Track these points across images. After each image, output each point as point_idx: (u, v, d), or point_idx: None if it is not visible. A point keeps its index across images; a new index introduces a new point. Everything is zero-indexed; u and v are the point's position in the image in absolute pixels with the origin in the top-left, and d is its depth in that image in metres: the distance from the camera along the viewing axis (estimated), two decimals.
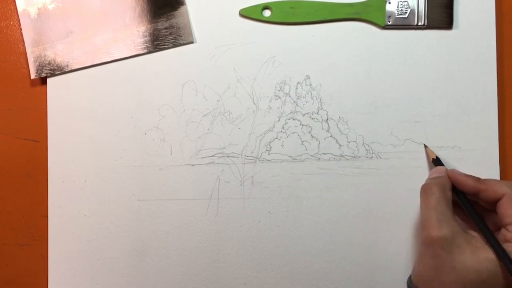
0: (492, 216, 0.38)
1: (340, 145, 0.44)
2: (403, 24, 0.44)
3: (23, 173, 0.46)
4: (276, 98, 0.45)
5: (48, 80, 0.46)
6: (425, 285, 0.35)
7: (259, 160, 0.45)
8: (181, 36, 0.45)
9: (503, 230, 0.36)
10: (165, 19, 0.45)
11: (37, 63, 0.45)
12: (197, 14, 0.45)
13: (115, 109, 0.45)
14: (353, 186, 0.44)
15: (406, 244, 0.44)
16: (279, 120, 0.45)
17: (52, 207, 0.46)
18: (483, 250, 0.34)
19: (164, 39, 0.45)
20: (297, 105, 0.45)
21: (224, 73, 0.45)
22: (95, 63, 0.45)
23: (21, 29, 0.46)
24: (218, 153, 0.45)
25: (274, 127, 0.45)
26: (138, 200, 0.45)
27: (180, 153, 0.45)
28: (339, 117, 0.45)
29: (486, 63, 0.44)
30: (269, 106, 0.45)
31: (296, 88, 0.45)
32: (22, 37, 0.46)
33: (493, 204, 0.37)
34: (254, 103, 0.45)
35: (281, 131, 0.45)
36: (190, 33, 0.45)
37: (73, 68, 0.45)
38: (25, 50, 0.46)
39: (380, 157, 0.44)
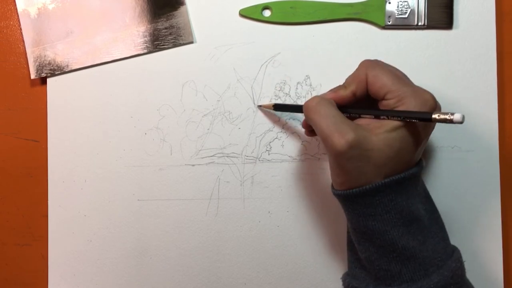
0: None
1: None
2: (403, 24, 0.44)
3: (23, 173, 0.46)
4: (276, 98, 0.45)
5: (48, 80, 0.46)
6: (352, 186, 0.35)
7: (259, 160, 0.45)
8: (181, 36, 0.45)
9: (383, 102, 0.37)
10: (165, 19, 0.45)
11: (37, 63, 0.45)
12: (197, 14, 0.45)
13: (115, 109, 0.45)
14: None
15: None
16: (279, 120, 0.45)
17: (52, 207, 0.46)
18: (382, 127, 0.35)
19: (164, 39, 0.45)
20: None
21: (224, 73, 0.45)
22: (95, 63, 0.45)
23: (21, 29, 0.46)
24: (218, 153, 0.45)
25: (274, 127, 0.45)
26: (138, 200, 0.45)
27: (180, 153, 0.45)
28: None
29: (486, 63, 0.44)
30: None
31: (296, 88, 0.45)
32: (22, 37, 0.46)
33: (365, 97, 0.38)
34: (254, 103, 0.45)
35: (281, 131, 0.45)
36: (190, 33, 0.45)
37: (73, 68, 0.45)
38: (25, 50, 0.46)
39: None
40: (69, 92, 0.46)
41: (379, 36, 0.45)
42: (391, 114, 0.35)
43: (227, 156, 0.45)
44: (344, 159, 0.34)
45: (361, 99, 0.39)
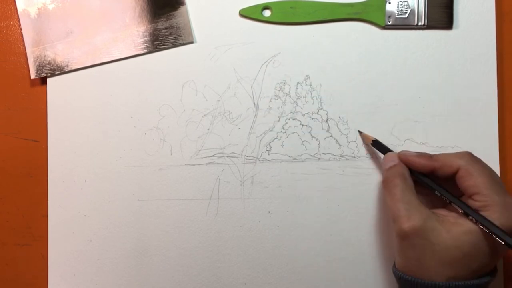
0: (451, 187, 0.38)
1: (340, 145, 0.45)
2: (403, 24, 0.44)
3: (23, 173, 0.46)
4: (276, 98, 0.45)
5: (48, 80, 0.46)
6: (412, 272, 0.35)
7: (259, 160, 0.45)
8: (181, 36, 0.45)
9: (469, 201, 0.36)
10: (165, 19, 0.45)
11: (37, 63, 0.45)
12: (197, 14, 0.45)
13: (115, 109, 0.45)
14: (353, 186, 0.44)
15: None
16: (279, 120, 0.45)
17: (52, 207, 0.46)
18: (457, 225, 0.34)
19: (164, 39, 0.45)
20: (297, 105, 0.45)
21: (224, 73, 0.45)
22: (95, 63, 0.45)
23: (21, 29, 0.46)
24: (218, 153, 0.45)
25: (274, 127, 0.45)
26: (138, 200, 0.45)
27: (180, 153, 0.45)
28: (339, 117, 0.45)
29: (486, 63, 0.44)
30: (269, 106, 0.45)
31: (296, 88, 0.45)
32: (22, 37, 0.46)
33: (450, 178, 0.37)
34: (254, 103, 0.45)
35: (281, 131, 0.45)
36: (190, 33, 0.45)
37: (73, 68, 0.45)
38: (25, 50, 0.46)
39: (380, 157, 0.44)
40: (69, 92, 0.46)
41: (379, 36, 0.45)
42: (476, 217, 0.34)
43: (227, 156, 0.45)
44: (407, 245, 0.34)
45: (439, 179, 0.38)
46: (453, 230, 0.34)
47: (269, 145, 0.45)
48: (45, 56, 0.45)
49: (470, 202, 0.36)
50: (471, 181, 0.35)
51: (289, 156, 0.45)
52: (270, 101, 0.45)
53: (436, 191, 0.38)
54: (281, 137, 0.45)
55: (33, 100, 0.46)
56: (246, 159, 0.45)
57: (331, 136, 0.45)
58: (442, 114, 0.44)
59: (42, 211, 0.46)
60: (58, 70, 0.45)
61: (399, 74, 0.44)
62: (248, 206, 0.45)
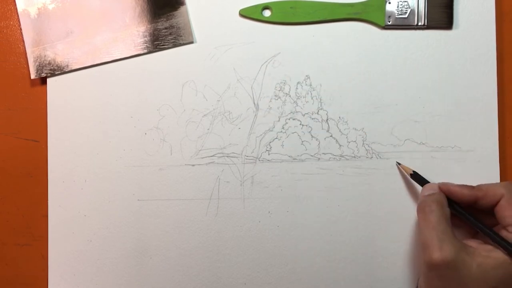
0: (486, 220, 0.38)
1: (340, 145, 0.45)
2: (403, 24, 0.44)
3: (23, 173, 0.46)
4: (276, 98, 0.45)
5: (48, 80, 0.46)
6: None
7: (259, 160, 0.45)
8: (181, 36, 0.45)
9: (503, 232, 0.36)
10: (165, 19, 0.45)
11: (37, 63, 0.45)
12: (197, 14, 0.45)
13: (115, 109, 0.45)
14: (353, 186, 0.44)
15: (406, 244, 0.44)
16: (279, 120, 0.45)
17: (52, 207, 0.46)
18: (489, 258, 0.34)
19: (164, 39, 0.45)
20: (297, 105, 0.45)
21: (224, 73, 0.45)
22: (95, 63, 0.45)
23: (21, 29, 0.46)
24: (218, 153, 0.45)
25: (274, 127, 0.45)
26: (138, 200, 0.45)
27: (180, 153, 0.45)
28: (339, 117, 0.45)
29: (486, 63, 0.44)
30: (269, 106, 0.45)
31: (296, 88, 0.45)
32: (22, 37, 0.46)
33: (490, 208, 0.37)
34: (254, 103, 0.45)
35: (281, 131, 0.45)
36: (190, 33, 0.45)
37: (73, 68, 0.45)
38: (25, 50, 0.46)
39: (380, 157, 0.44)
40: (69, 92, 0.46)
41: (379, 36, 0.45)
42: (506, 246, 0.34)
43: (227, 156, 0.45)
44: (435, 275, 0.34)
45: (482, 211, 0.38)
46: (484, 264, 0.34)
47: (269, 145, 0.45)
48: (45, 56, 0.45)
49: (504, 233, 0.36)
50: (510, 211, 0.35)
51: (289, 156, 0.45)
52: (270, 101, 0.45)
53: (471, 223, 0.37)
54: (281, 137, 0.45)
55: (33, 100, 0.46)
56: (246, 159, 0.45)
57: (331, 136, 0.45)
58: (442, 114, 0.44)
59: (42, 211, 0.46)
60: (58, 70, 0.45)
61: (399, 74, 0.44)
62: (248, 206, 0.45)
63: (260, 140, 0.45)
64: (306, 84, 0.45)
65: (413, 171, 0.42)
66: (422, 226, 0.36)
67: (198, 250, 0.45)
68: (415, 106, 0.44)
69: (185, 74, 0.45)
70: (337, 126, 0.45)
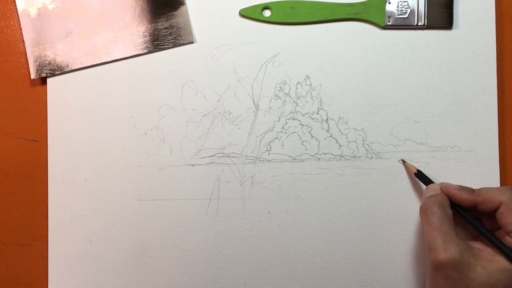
0: (490, 221, 0.38)
1: (340, 145, 0.45)
2: (403, 24, 0.44)
3: (23, 173, 0.46)
4: (276, 98, 0.45)
5: (48, 80, 0.46)
6: None
7: (259, 160, 0.45)
8: (181, 36, 0.45)
9: (507, 238, 0.36)
10: (165, 19, 0.45)
11: (37, 63, 0.45)
12: (197, 14, 0.45)
13: (115, 109, 0.45)
14: (353, 186, 0.44)
15: (406, 244, 0.44)
16: (279, 120, 0.45)
17: (52, 207, 0.46)
18: (493, 262, 0.34)
19: (164, 39, 0.45)
20: (297, 105, 0.45)
21: (224, 73, 0.45)
22: (95, 63, 0.45)
23: (21, 29, 0.46)
24: (218, 153, 0.45)
25: (274, 127, 0.45)
26: (138, 200, 0.45)
27: (180, 153, 0.45)
28: (339, 117, 0.45)
29: (486, 63, 0.44)
30: (269, 106, 0.45)
31: (296, 88, 0.45)
32: (22, 37, 0.46)
33: (491, 212, 0.37)
34: (254, 103, 0.45)
35: (281, 131, 0.45)
36: (190, 33, 0.45)
37: (73, 68, 0.45)
38: (25, 50, 0.46)
39: (380, 157, 0.44)
40: (69, 92, 0.46)
41: (379, 36, 0.45)
42: (508, 254, 0.34)
43: (227, 156, 0.45)
44: (440, 276, 0.34)
45: (481, 215, 0.38)
46: (488, 267, 0.34)
47: (269, 145, 0.45)
48: (45, 56, 0.45)
49: (508, 239, 0.36)
50: (511, 218, 0.35)
51: (289, 156, 0.45)
52: (270, 101, 0.45)
53: (471, 225, 0.37)
54: (281, 137, 0.45)
55: (33, 100, 0.46)
56: (246, 159, 0.45)
57: (331, 136, 0.45)
58: (442, 114, 0.44)
59: (42, 211, 0.46)
60: (58, 70, 0.45)
61: (399, 74, 0.44)
62: (248, 206, 0.45)
63: (260, 140, 0.45)
64: (306, 84, 0.45)
65: (418, 170, 0.42)
66: (425, 229, 0.36)
67: (198, 250, 0.45)
68: (415, 106, 0.44)
69: (185, 74, 0.45)
70: (337, 126, 0.45)
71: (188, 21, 0.45)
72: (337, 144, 0.45)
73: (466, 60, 0.44)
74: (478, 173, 0.44)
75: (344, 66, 0.45)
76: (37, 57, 0.45)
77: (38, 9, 0.46)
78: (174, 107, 0.45)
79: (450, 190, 0.38)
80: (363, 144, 0.44)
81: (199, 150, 0.45)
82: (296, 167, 0.45)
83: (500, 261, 0.34)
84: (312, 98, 0.45)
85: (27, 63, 0.46)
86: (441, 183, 0.40)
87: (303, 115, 0.45)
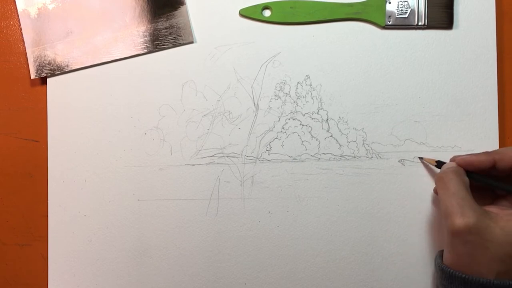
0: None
1: (340, 145, 0.45)
2: (403, 24, 0.44)
3: (23, 173, 0.46)
4: (276, 98, 0.45)
5: (48, 80, 0.46)
6: (461, 268, 0.35)
7: (259, 160, 0.45)
8: (181, 36, 0.45)
9: None
10: (165, 19, 0.45)
11: (37, 63, 0.45)
12: (197, 14, 0.45)
13: (115, 109, 0.45)
14: (353, 186, 0.44)
15: (406, 244, 0.44)
16: (279, 120, 0.45)
17: (52, 207, 0.46)
18: (511, 222, 0.34)
19: (164, 39, 0.45)
20: (297, 105, 0.45)
21: (224, 73, 0.45)
22: (95, 63, 0.45)
23: (21, 29, 0.46)
24: (218, 153, 0.45)
25: (274, 127, 0.45)
26: (138, 200, 0.45)
27: (180, 153, 0.45)
28: (339, 117, 0.45)
29: (486, 63, 0.44)
30: (269, 106, 0.45)
31: (296, 88, 0.45)
32: (22, 37, 0.46)
33: (508, 171, 0.37)
34: (254, 103, 0.45)
35: (281, 131, 0.45)
36: (190, 33, 0.45)
37: (73, 68, 0.45)
38: (25, 50, 0.46)
39: (380, 157, 0.44)
40: (69, 92, 0.46)
41: (379, 36, 0.45)
42: None
43: (227, 156, 0.45)
44: (459, 241, 0.34)
45: (502, 176, 0.38)
46: (507, 227, 0.34)
47: (269, 145, 0.45)
48: (45, 56, 0.45)
49: None
50: None
51: (289, 156, 0.45)
52: (270, 101, 0.45)
53: (492, 185, 0.38)
54: (281, 137, 0.45)
55: (33, 100, 0.46)
56: (246, 159, 0.45)
57: (331, 136, 0.45)
58: (442, 114, 0.44)
59: (42, 211, 0.46)
60: (58, 70, 0.45)
61: (399, 74, 0.44)
62: (248, 206, 0.45)
63: (260, 140, 0.45)
64: (306, 84, 0.45)
65: (437, 160, 0.42)
66: (442, 195, 0.36)
67: (198, 250, 0.45)
68: (415, 106, 0.44)
69: (185, 74, 0.45)
70: (337, 126, 0.45)
71: (188, 21, 0.45)
72: (337, 144, 0.45)
73: (466, 60, 0.44)
74: None
75: (344, 66, 0.45)
76: (37, 57, 0.45)
77: (38, 9, 0.46)
78: (174, 107, 0.45)
79: (466, 158, 0.38)
80: (363, 144, 0.44)
81: (199, 150, 0.45)
82: (296, 167, 0.45)
83: None
84: (312, 98, 0.45)
85: (27, 63, 0.46)
86: (456, 158, 0.40)
87: (303, 115, 0.45)
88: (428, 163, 0.43)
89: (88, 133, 0.46)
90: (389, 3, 0.44)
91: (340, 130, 0.45)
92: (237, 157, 0.45)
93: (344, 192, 0.44)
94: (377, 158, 0.44)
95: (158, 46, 0.45)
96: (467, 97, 0.44)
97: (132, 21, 0.45)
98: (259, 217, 0.45)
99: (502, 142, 0.44)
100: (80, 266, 0.46)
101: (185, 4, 0.45)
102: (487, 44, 0.44)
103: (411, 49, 0.44)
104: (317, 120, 0.45)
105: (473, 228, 0.34)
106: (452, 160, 0.41)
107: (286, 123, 0.45)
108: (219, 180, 0.45)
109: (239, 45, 0.45)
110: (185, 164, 0.45)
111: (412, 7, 0.44)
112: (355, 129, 0.45)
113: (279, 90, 0.45)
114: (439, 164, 0.42)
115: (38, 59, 0.45)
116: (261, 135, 0.45)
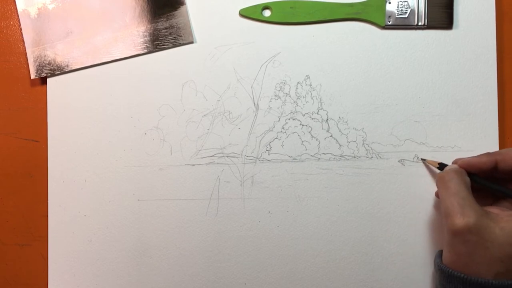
0: (508, 187, 0.39)
1: (340, 145, 0.45)
2: (403, 24, 0.44)
3: (23, 173, 0.46)
4: (276, 98, 0.45)
5: (48, 80, 0.46)
6: (460, 268, 0.35)
7: (259, 160, 0.45)
8: (181, 36, 0.45)
9: None
10: (165, 19, 0.45)
11: (37, 63, 0.45)
12: (197, 14, 0.45)
13: (115, 109, 0.45)
14: (353, 186, 0.44)
15: (406, 244, 0.44)
16: (279, 120, 0.45)
17: (52, 207, 0.46)
18: (511, 223, 0.34)
19: (164, 39, 0.45)
20: (297, 105, 0.45)
21: (224, 73, 0.45)
22: (95, 63, 0.45)
23: (21, 29, 0.46)
24: (218, 153, 0.45)
25: (274, 127, 0.45)
26: (138, 200, 0.45)
27: (180, 153, 0.45)
28: (339, 117, 0.45)
29: (486, 63, 0.44)
30: (269, 106, 0.45)
31: (296, 88, 0.45)
32: (22, 37, 0.46)
33: (510, 172, 0.37)
34: (254, 103, 0.45)
35: (281, 131, 0.45)
36: (190, 33, 0.45)
37: (73, 68, 0.45)
38: (25, 50, 0.46)
39: (380, 157, 0.44)
40: (69, 92, 0.46)
41: (379, 36, 0.45)
42: None
43: (227, 156, 0.45)
44: (459, 241, 0.34)
45: (504, 178, 0.38)
46: (507, 227, 0.34)
47: (269, 145, 0.45)
48: (45, 56, 0.45)
49: None
50: None
51: (289, 156, 0.45)
52: (270, 101, 0.45)
53: (491, 187, 0.38)
54: (281, 137, 0.45)
55: (33, 100, 0.46)
56: (246, 159, 0.45)
57: (331, 136, 0.45)
58: (442, 114, 0.44)
59: (42, 211, 0.46)
60: (58, 70, 0.45)
61: (399, 74, 0.44)
62: (248, 206, 0.45)
63: (260, 140, 0.45)
64: (306, 84, 0.45)
65: (439, 163, 0.42)
66: (442, 195, 0.36)
67: (198, 250, 0.45)
68: (415, 106, 0.44)
69: (185, 74, 0.45)
70: (337, 126, 0.45)
71: (188, 21, 0.45)
72: (337, 144, 0.45)
73: (466, 60, 0.44)
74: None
75: (344, 66, 0.45)
76: (37, 57, 0.45)
77: (38, 9, 0.46)
78: (174, 107, 0.45)
79: (468, 160, 0.39)
80: (363, 144, 0.44)
81: (199, 150, 0.45)
82: (296, 167, 0.45)
83: None
84: (312, 98, 0.45)
85: (27, 63, 0.46)
86: (458, 161, 0.40)
87: (303, 115, 0.45)
88: (430, 165, 0.44)
89: (88, 133, 0.46)
90: (389, 3, 0.44)
91: (340, 130, 0.45)
92: (237, 157, 0.45)
93: (344, 192, 0.44)
94: (377, 158, 0.44)
95: (158, 46, 0.45)
96: (467, 97, 0.44)
97: (132, 21, 0.45)
98: (259, 217, 0.45)
99: (502, 142, 0.44)
100: (80, 266, 0.46)
101: (185, 4, 0.45)
102: (487, 44, 0.44)
103: (411, 49, 0.44)
104: (317, 120, 0.45)
105: (473, 227, 0.34)
106: (454, 162, 0.41)
107: (286, 123, 0.45)
108: (219, 180, 0.45)
109: (239, 45, 0.45)
110: (185, 164, 0.45)
111: (412, 7, 0.44)
112: (355, 129, 0.45)
113: (279, 90, 0.45)
114: (442, 166, 0.42)
115: (38, 59, 0.45)
116: (261, 135, 0.45)
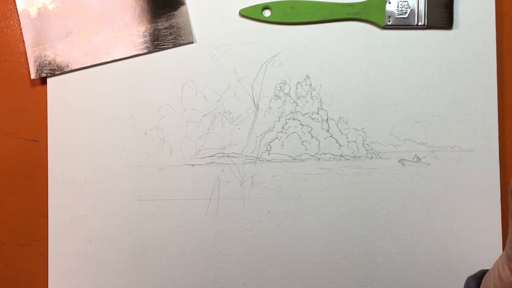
0: None
1: (340, 145, 0.45)
2: (403, 24, 0.44)
3: (23, 173, 0.46)
4: (276, 98, 0.45)
5: (48, 80, 0.46)
6: None
7: (259, 160, 0.45)
8: (181, 36, 0.45)
9: None
10: (165, 19, 0.45)
11: (37, 63, 0.45)
12: (197, 14, 0.45)
13: (115, 109, 0.45)
14: (353, 186, 0.44)
15: (406, 244, 0.44)
16: (279, 120, 0.45)
17: (52, 207, 0.46)
18: None
19: (164, 39, 0.45)
20: (297, 105, 0.45)
21: (224, 73, 0.45)
22: (95, 63, 0.45)
23: (21, 29, 0.46)
24: (218, 153, 0.45)
25: (274, 127, 0.45)
26: (138, 200, 0.45)
27: (180, 153, 0.45)
28: (339, 117, 0.45)
29: (486, 63, 0.44)
30: (269, 106, 0.45)
31: (296, 88, 0.45)
32: (22, 37, 0.46)
33: None
34: (254, 103, 0.45)
35: (281, 131, 0.45)
36: (190, 33, 0.45)
37: (73, 68, 0.45)
38: (25, 50, 0.46)
39: (380, 157, 0.44)
40: (69, 92, 0.46)
41: (379, 36, 0.45)
42: None
43: (227, 156, 0.45)
44: None
45: None
46: None
47: (269, 145, 0.45)
48: (45, 56, 0.45)
49: None
50: None
51: (289, 156, 0.45)
52: (270, 101, 0.45)
53: None
54: (281, 137, 0.45)
55: (33, 100, 0.46)
56: (246, 159, 0.45)
57: (331, 136, 0.45)
58: (442, 114, 0.44)
59: (42, 211, 0.46)
60: (58, 70, 0.45)
61: (399, 74, 0.44)
62: (248, 206, 0.45)
63: (260, 140, 0.45)
64: (306, 84, 0.45)
65: None
66: None
67: (198, 250, 0.45)
68: (415, 106, 0.44)
69: (185, 74, 0.45)
70: (337, 126, 0.45)
71: (188, 21, 0.45)
72: (337, 144, 0.45)
73: (466, 60, 0.44)
74: (478, 173, 0.44)
75: (344, 66, 0.45)
76: (37, 57, 0.45)
77: (38, 9, 0.46)
78: (174, 107, 0.45)
79: None
80: (363, 144, 0.44)
81: (199, 150, 0.45)
82: (296, 167, 0.45)
83: None
84: (312, 98, 0.45)
85: (27, 63, 0.46)
86: None
87: (303, 115, 0.45)
88: None
89: (88, 133, 0.46)
90: (389, 3, 0.44)
91: (340, 130, 0.45)
92: (237, 157, 0.45)
93: (344, 192, 0.44)
94: (377, 158, 0.44)
95: (158, 46, 0.45)
96: (467, 97, 0.44)
97: (132, 21, 0.45)
98: (259, 217, 0.45)
99: (502, 142, 0.44)
100: (80, 266, 0.46)
101: (185, 4, 0.45)
102: (487, 44, 0.44)
103: (411, 49, 0.44)
104: (317, 120, 0.45)
105: None
106: None
107: (286, 123, 0.45)
108: (219, 180, 0.45)
109: (239, 45, 0.45)
110: (185, 164, 0.45)
111: (412, 7, 0.44)
112: (355, 129, 0.45)
113: (279, 90, 0.45)
114: None
115: (38, 59, 0.45)
116: (261, 135, 0.45)
